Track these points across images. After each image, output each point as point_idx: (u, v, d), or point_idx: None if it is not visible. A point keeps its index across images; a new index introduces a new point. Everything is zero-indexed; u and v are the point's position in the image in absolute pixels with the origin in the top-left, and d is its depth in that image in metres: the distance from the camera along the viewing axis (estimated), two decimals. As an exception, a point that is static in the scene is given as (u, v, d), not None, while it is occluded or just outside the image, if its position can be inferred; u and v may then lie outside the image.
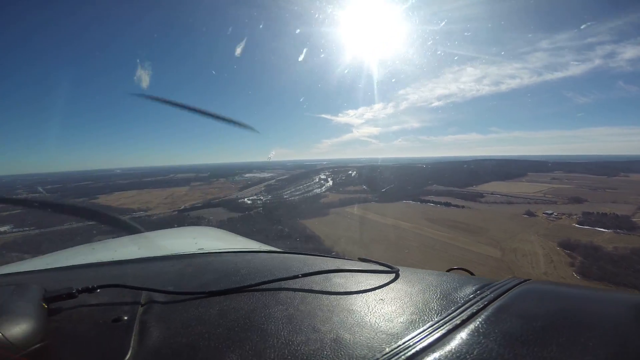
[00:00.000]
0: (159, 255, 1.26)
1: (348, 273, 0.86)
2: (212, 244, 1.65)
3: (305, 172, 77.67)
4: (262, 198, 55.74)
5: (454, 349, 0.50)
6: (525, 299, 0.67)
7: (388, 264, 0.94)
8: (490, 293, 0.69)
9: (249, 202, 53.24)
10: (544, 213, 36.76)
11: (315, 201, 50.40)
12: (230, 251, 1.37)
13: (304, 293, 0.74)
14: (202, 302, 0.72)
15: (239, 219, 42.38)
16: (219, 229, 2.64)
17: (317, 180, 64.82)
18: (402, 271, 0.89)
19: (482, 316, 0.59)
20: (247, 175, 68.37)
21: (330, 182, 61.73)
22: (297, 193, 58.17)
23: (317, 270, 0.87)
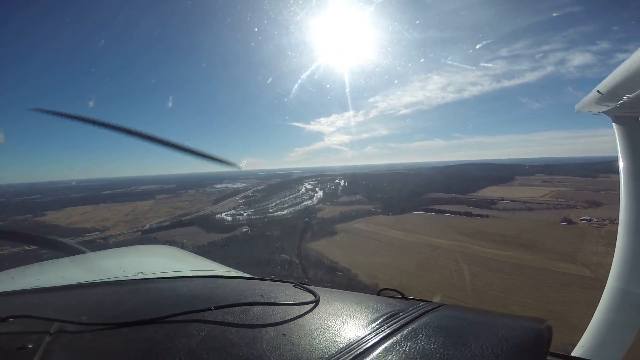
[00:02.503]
0: (87, 282, 1.21)
1: (267, 306, 0.84)
2: (155, 267, 1.60)
3: (283, 181, 68.10)
4: (243, 213, 45.21)
5: None
6: (434, 325, 0.72)
7: (314, 290, 0.95)
8: (403, 318, 0.74)
9: (228, 218, 42.37)
10: (581, 219, 32.09)
11: (311, 216, 41.60)
12: (164, 277, 1.30)
13: (214, 326, 0.73)
14: (110, 333, 0.71)
15: (222, 244, 31.83)
16: (176, 249, 2.74)
17: (303, 190, 55.70)
18: (325, 297, 0.91)
19: (390, 341, 0.64)
20: (218, 186, 56.97)
21: (320, 193, 53.11)
22: (284, 206, 48.52)
23: (232, 302, 0.84)
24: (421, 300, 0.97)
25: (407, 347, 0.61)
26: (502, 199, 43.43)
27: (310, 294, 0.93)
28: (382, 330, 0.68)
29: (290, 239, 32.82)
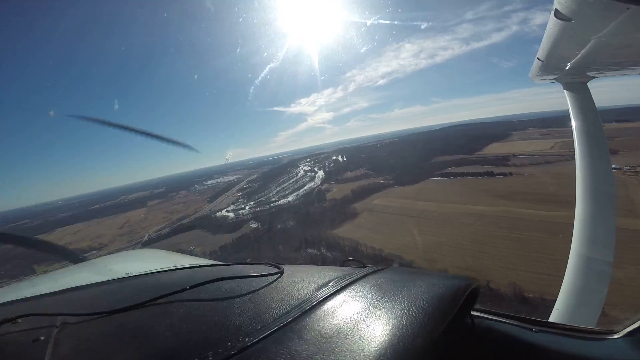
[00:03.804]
0: (85, 284, 1.33)
1: (237, 279, 0.95)
2: (142, 268, 1.68)
3: (276, 167, 63.33)
4: (244, 207, 40.55)
5: (303, 326, 0.68)
6: (371, 284, 0.86)
7: (281, 265, 1.06)
8: (347, 280, 0.88)
9: (231, 215, 37.61)
10: (612, 168, 30.34)
11: (321, 198, 37.67)
12: (148, 272, 1.42)
13: (192, 303, 0.85)
14: (105, 320, 0.84)
15: (235, 246, 27.45)
16: (162, 250, 2.97)
17: (302, 173, 51.36)
18: (289, 270, 1.03)
19: (334, 298, 0.79)
20: (209, 182, 51.53)
21: (321, 172, 49.06)
22: (287, 192, 44.22)
23: (204, 280, 0.93)
24: (375, 267, 1.10)
25: (345, 303, 0.76)
26: (514, 155, 41.65)
27: (276, 269, 1.03)
28: (327, 291, 0.82)
29: (308, 228, 29.14)
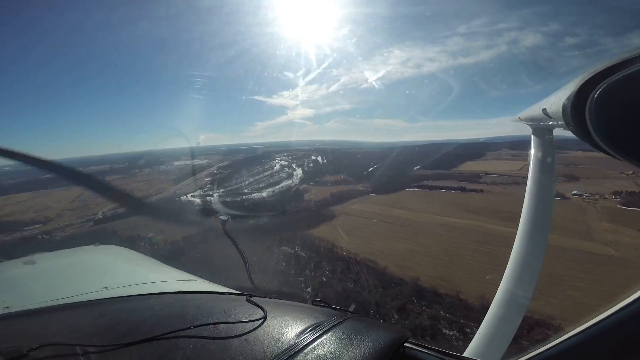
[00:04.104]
0: (70, 302, 1.38)
1: (230, 324, 1.10)
2: (117, 278, 1.70)
3: (249, 157, 61.74)
4: (213, 194, 38.73)
5: None
6: (339, 333, 1.05)
7: (263, 305, 1.23)
8: (321, 329, 1.06)
9: (197, 200, 35.68)
10: (573, 194, 32.84)
11: (298, 197, 36.94)
12: (135, 295, 1.49)
13: (197, 340, 0.98)
14: (121, 352, 0.92)
15: (200, 239, 25.81)
16: (125, 249, 2.73)
17: (279, 167, 50.20)
18: (271, 311, 1.19)
19: (310, 347, 0.96)
20: (176, 163, 48.60)
21: (299, 171, 48.25)
22: (261, 186, 42.81)
23: (204, 321, 1.08)
24: (340, 310, 1.35)
25: (320, 351, 0.94)
26: (486, 173, 43.65)
27: (260, 310, 1.21)
28: (307, 339, 0.99)
29: (283, 226, 28.28)
